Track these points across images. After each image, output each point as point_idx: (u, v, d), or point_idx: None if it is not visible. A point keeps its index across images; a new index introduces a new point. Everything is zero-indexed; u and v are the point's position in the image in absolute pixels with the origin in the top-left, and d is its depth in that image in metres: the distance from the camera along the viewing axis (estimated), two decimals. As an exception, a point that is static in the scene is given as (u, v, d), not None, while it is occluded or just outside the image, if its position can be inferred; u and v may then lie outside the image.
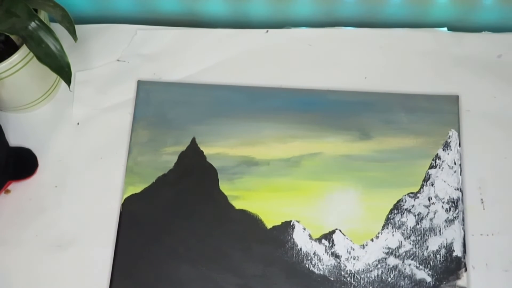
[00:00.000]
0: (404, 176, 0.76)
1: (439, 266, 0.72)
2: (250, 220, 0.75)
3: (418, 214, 0.74)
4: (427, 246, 0.73)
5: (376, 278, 0.72)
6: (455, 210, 0.74)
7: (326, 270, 0.72)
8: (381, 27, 0.86)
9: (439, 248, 0.73)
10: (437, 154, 0.77)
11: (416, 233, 0.74)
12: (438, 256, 0.72)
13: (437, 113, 0.79)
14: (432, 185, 0.75)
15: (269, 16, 0.88)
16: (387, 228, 0.74)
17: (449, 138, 0.77)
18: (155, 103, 0.81)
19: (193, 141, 0.79)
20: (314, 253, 0.73)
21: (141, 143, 0.79)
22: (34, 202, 0.78)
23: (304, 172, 0.77)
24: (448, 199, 0.75)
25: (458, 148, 0.77)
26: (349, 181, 0.76)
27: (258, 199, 0.76)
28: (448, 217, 0.74)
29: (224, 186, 0.77)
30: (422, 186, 0.76)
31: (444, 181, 0.75)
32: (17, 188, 0.78)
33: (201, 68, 0.84)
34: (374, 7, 0.86)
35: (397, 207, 0.75)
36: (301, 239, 0.74)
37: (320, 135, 0.79)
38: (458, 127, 0.78)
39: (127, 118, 0.81)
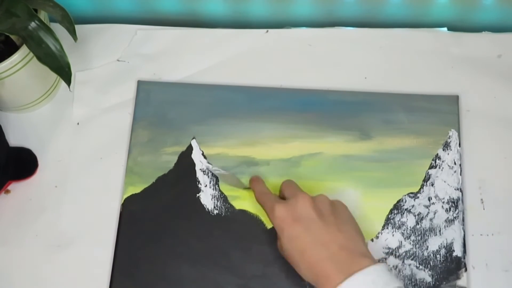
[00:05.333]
0: (404, 176, 0.76)
1: (439, 266, 0.72)
2: (250, 220, 0.75)
3: (418, 214, 0.74)
4: (427, 246, 0.73)
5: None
6: (455, 210, 0.74)
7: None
8: (381, 27, 0.86)
9: (439, 248, 0.73)
10: (437, 154, 0.77)
11: (416, 233, 0.74)
12: (438, 256, 0.72)
13: (437, 113, 0.79)
14: (432, 185, 0.75)
15: (269, 16, 0.88)
16: (387, 228, 0.74)
17: (449, 138, 0.77)
18: (155, 103, 0.81)
19: (193, 142, 0.79)
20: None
21: (141, 143, 0.79)
22: (34, 202, 0.78)
23: (304, 172, 0.77)
24: (448, 199, 0.75)
25: (458, 148, 0.77)
26: (349, 181, 0.76)
27: (258, 199, 0.76)
28: (448, 217, 0.74)
29: (224, 186, 0.77)
30: (422, 186, 0.76)
31: (444, 181, 0.75)
32: (17, 188, 0.78)
33: (201, 68, 0.84)
34: (374, 7, 0.86)
35: (397, 207, 0.75)
36: (301, 239, 0.73)
37: (320, 135, 0.79)
38: (458, 127, 0.78)
39: (127, 118, 0.81)
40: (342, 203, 0.68)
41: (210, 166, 0.76)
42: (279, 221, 0.65)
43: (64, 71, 0.71)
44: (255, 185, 0.73)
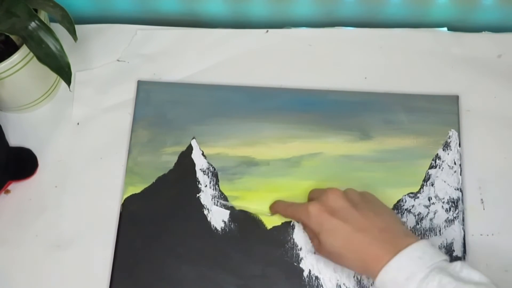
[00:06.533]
0: (404, 176, 0.76)
1: (439, 266, 0.72)
2: (250, 220, 0.75)
3: (418, 214, 0.74)
4: (427, 246, 0.73)
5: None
6: (455, 210, 0.74)
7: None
8: (381, 27, 0.86)
9: (439, 248, 0.72)
10: (437, 154, 0.77)
11: (416, 233, 0.73)
12: (438, 256, 0.72)
13: (437, 113, 0.79)
14: (432, 185, 0.75)
15: (269, 16, 0.88)
16: (387, 228, 0.74)
17: (449, 138, 0.78)
18: (155, 103, 0.81)
19: (193, 142, 0.79)
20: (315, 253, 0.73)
21: (141, 143, 0.79)
22: (34, 202, 0.78)
23: (304, 172, 0.77)
24: (448, 199, 0.75)
25: (458, 148, 0.77)
26: (349, 181, 0.76)
27: (258, 199, 0.76)
28: (448, 217, 0.74)
29: (224, 186, 0.77)
30: (422, 186, 0.76)
31: (444, 181, 0.75)
32: (17, 188, 0.78)
33: (201, 68, 0.84)
34: (374, 7, 0.86)
35: (397, 207, 0.75)
36: (301, 239, 0.74)
37: (320, 135, 0.79)
38: (458, 127, 0.78)
39: (127, 118, 0.81)
40: (370, 193, 0.70)
41: (229, 203, 0.75)
42: (315, 218, 0.66)
43: (64, 71, 0.71)
44: (277, 206, 0.74)
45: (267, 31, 0.86)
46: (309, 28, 0.87)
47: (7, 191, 0.78)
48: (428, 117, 0.79)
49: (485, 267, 0.72)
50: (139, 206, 0.76)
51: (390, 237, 0.63)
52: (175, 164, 0.78)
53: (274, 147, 0.78)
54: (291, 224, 0.74)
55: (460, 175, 0.76)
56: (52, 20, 0.76)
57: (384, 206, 0.69)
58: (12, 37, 0.75)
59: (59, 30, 0.71)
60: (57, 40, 0.70)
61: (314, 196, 0.71)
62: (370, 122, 0.79)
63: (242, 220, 0.75)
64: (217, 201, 0.75)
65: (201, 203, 0.76)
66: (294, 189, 0.76)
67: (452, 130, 0.78)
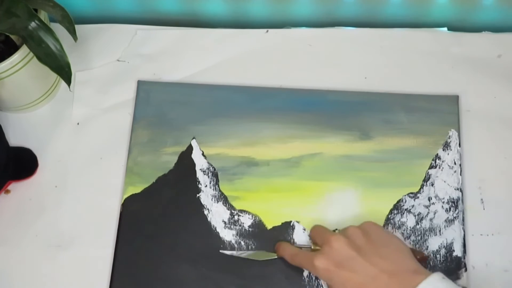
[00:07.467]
0: (404, 176, 0.76)
1: (439, 266, 0.72)
2: (250, 220, 0.75)
3: (418, 214, 0.74)
4: (427, 246, 0.73)
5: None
6: (455, 210, 0.74)
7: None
8: (381, 27, 0.86)
9: (439, 248, 0.73)
10: (437, 154, 0.77)
11: (416, 233, 0.74)
12: (438, 256, 0.72)
13: (437, 113, 0.79)
14: (432, 185, 0.75)
15: (269, 16, 0.88)
16: (387, 228, 0.74)
17: (449, 138, 0.78)
18: (155, 103, 0.81)
19: (193, 142, 0.79)
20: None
21: (141, 143, 0.79)
22: (34, 202, 0.78)
23: (304, 172, 0.77)
24: (448, 199, 0.75)
25: (458, 148, 0.77)
26: (349, 181, 0.76)
27: (258, 199, 0.76)
28: (448, 217, 0.74)
29: (224, 187, 0.77)
30: (422, 186, 0.76)
31: (444, 181, 0.75)
32: (17, 188, 0.78)
33: (201, 68, 0.84)
34: (374, 7, 0.86)
35: (397, 207, 0.75)
36: (301, 239, 0.74)
37: (320, 135, 0.79)
38: (458, 127, 0.78)
39: (127, 118, 0.81)
40: (371, 224, 0.69)
41: (235, 253, 0.73)
42: (323, 272, 0.66)
43: (64, 71, 0.71)
44: (283, 250, 0.72)
45: (267, 31, 0.86)
46: (309, 28, 0.87)
47: (7, 191, 0.78)
48: (428, 117, 0.79)
49: (485, 267, 0.72)
50: (139, 206, 0.76)
51: (400, 280, 0.62)
52: (175, 164, 0.78)
53: (274, 147, 0.78)
54: (291, 224, 0.74)
55: (460, 175, 0.76)
56: (52, 20, 0.76)
57: (389, 238, 0.68)
58: (12, 37, 0.75)
59: (59, 30, 0.71)
60: (57, 40, 0.70)
61: (317, 240, 0.70)
62: (370, 122, 0.79)
63: (242, 220, 0.75)
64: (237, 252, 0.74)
65: (201, 203, 0.76)
66: (294, 189, 0.76)
67: (452, 130, 0.78)
